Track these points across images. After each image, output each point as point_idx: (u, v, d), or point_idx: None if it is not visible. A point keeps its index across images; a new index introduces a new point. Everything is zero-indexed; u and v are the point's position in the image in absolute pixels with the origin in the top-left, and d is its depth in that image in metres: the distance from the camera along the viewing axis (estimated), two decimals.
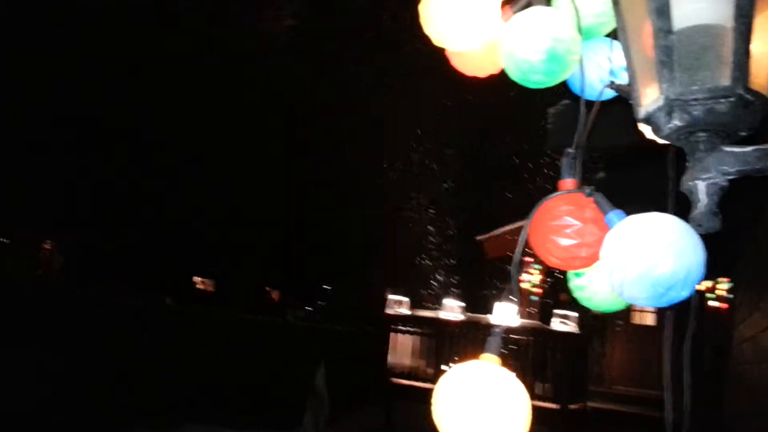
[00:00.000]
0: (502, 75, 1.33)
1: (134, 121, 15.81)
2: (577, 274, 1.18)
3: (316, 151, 20.40)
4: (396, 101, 19.84)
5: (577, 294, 1.20)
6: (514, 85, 1.28)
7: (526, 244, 1.05)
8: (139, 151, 16.16)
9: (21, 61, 13.18)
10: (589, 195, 1.02)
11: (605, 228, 0.96)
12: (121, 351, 9.86)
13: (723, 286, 9.02)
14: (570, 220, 1.01)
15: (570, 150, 1.11)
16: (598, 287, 1.15)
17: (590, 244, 0.99)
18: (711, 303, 9.27)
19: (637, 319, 11.22)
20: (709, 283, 9.20)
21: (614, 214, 0.96)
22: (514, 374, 0.91)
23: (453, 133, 19.12)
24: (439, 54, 1.41)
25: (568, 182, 1.08)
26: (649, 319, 11.04)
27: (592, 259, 1.01)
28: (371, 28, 16.87)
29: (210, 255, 20.48)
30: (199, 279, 25.54)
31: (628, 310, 11.17)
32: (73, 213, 15.81)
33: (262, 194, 19.83)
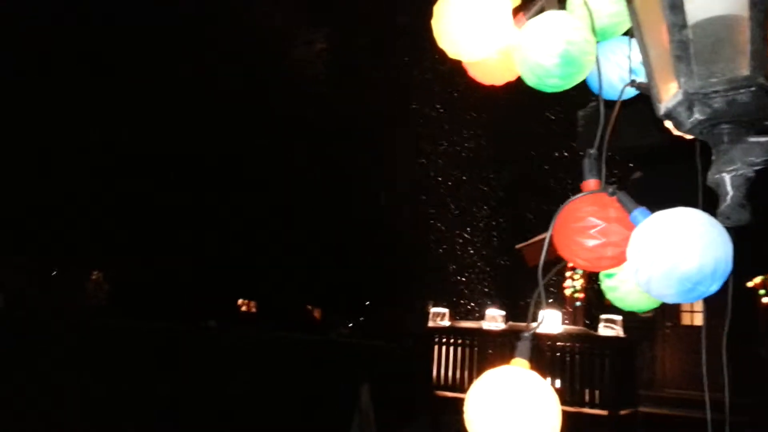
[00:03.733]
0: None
1: (171, 148, 16.22)
2: (608, 276, 1.17)
3: (353, 170, 20.60)
4: (433, 115, 19.95)
5: (610, 295, 1.19)
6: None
7: (552, 248, 1.05)
8: (179, 177, 16.55)
9: (53, 91, 13.65)
10: (612, 194, 1.01)
11: (630, 226, 0.95)
12: (168, 374, 10.05)
13: None
14: (594, 220, 1.00)
15: (591, 151, 1.11)
16: (630, 287, 1.13)
17: (616, 243, 0.98)
18: (764, 300, 8.94)
19: (687, 319, 10.87)
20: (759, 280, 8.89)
21: (638, 212, 0.95)
22: (544, 378, 0.90)
23: (490, 144, 19.06)
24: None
25: (590, 183, 1.07)
26: (699, 320, 10.69)
27: (619, 258, 0.99)
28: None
29: (252, 277, 20.77)
30: (243, 301, 25.92)
31: (678, 311, 10.84)
32: (117, 241, 16.24)
33: (301, 214, 20.08)
